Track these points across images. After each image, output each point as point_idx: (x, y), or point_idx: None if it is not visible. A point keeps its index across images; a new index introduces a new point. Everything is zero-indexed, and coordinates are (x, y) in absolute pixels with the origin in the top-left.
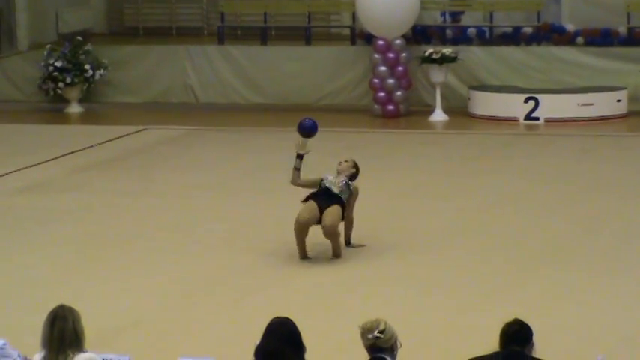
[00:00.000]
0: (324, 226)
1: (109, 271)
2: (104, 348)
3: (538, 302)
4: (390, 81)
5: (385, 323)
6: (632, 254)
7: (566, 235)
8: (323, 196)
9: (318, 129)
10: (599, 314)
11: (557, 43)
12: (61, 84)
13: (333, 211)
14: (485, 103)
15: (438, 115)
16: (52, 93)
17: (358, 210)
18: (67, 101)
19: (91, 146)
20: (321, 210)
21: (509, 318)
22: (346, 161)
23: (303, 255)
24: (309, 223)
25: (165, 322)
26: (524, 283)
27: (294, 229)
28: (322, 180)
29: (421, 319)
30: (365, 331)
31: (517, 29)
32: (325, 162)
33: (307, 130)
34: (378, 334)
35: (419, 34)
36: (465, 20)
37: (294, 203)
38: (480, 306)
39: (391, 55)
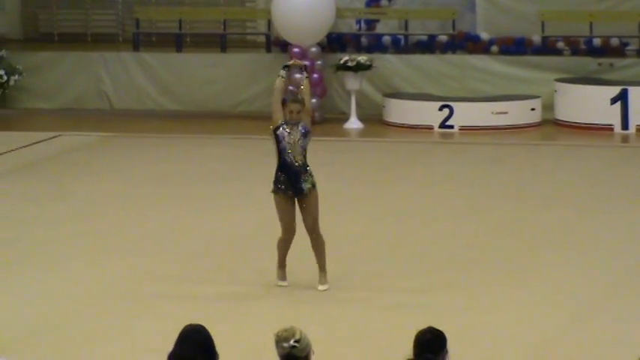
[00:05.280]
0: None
1: (21, 277)
2: (16, 354)
3: (448, 310)
4: None
5: (300, 332)
6: (542, 261)
7: (476, 243)
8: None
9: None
10: (506, 322)
11: (471, 52)
12: None
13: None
14: (400, 111)
15: (353, 123)
16: None
17: (268, 220)
18: None
19: (4, 153)
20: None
21: (422, 326)
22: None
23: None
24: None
25: (79, 329)
26: (435, 290)
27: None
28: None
29: (338, 325)
30: (280, 340)
31: (432, 37)
32: (239, 170)
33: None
34: (293, 344)
35: (334, 42)
36: (381, 28)
37: (208, 210)
38: (388, 316)
39: (306, 63)
